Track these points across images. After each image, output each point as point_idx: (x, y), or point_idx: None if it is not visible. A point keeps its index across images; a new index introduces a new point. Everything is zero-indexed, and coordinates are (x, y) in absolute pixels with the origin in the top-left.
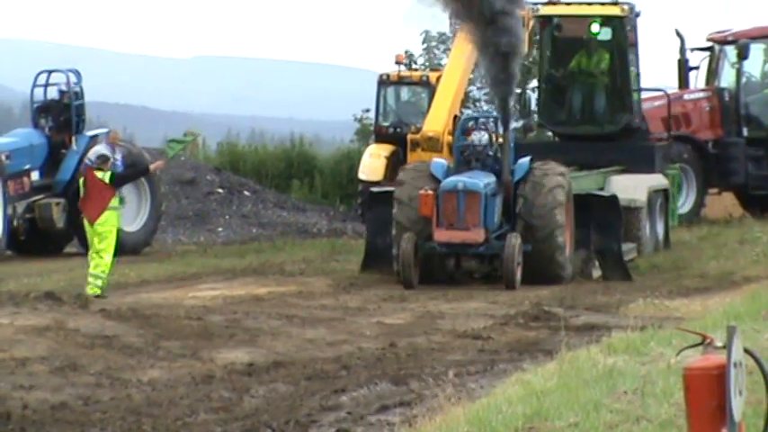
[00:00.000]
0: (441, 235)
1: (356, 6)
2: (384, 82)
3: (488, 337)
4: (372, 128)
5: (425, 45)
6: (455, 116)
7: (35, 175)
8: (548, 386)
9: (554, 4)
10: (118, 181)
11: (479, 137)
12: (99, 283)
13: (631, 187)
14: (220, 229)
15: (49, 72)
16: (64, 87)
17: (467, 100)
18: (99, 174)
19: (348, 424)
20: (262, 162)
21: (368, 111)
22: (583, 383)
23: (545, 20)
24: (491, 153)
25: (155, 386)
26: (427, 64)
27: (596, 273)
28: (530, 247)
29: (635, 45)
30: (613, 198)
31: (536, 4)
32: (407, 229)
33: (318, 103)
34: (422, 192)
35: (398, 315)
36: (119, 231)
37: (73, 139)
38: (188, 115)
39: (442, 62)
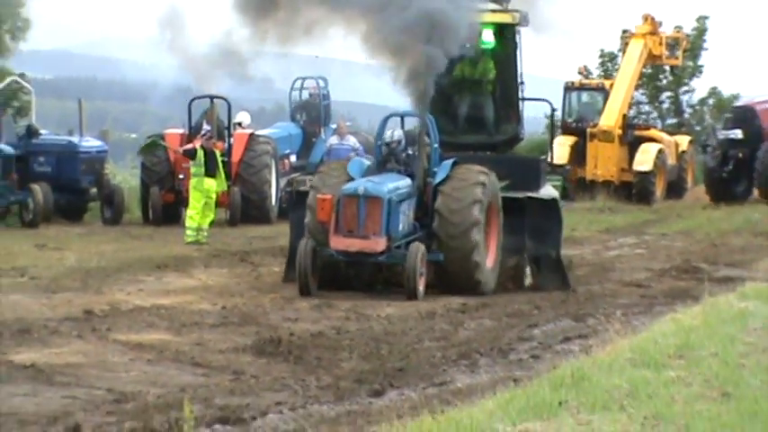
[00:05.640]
0: (338, 242)
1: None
2: (569, 88)
3: (648, 286)
4: (559, 123)
5: (600, 60)
6: (624, 114)
7: (293, 158)
8: (694, 324)
9: None
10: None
11: (393, 134)
12: (188, 232)
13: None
14: None
15: (303, 79)
16: (314, 91)
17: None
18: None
19: (539, 351)
20: None
21: (555, 110)
22: (721, 322)
23: None
24: (411, 152)
25: (390, 320)
26: (602, 74)
27: (528, 280)
28: (441, 256)
29: (520, 53)
30: (553, 201)
31: None
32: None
33: None
34: (319, 196)
35: (579, 268)
36: (202, 191)
37: (321, 129)
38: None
39: (613, 74)
